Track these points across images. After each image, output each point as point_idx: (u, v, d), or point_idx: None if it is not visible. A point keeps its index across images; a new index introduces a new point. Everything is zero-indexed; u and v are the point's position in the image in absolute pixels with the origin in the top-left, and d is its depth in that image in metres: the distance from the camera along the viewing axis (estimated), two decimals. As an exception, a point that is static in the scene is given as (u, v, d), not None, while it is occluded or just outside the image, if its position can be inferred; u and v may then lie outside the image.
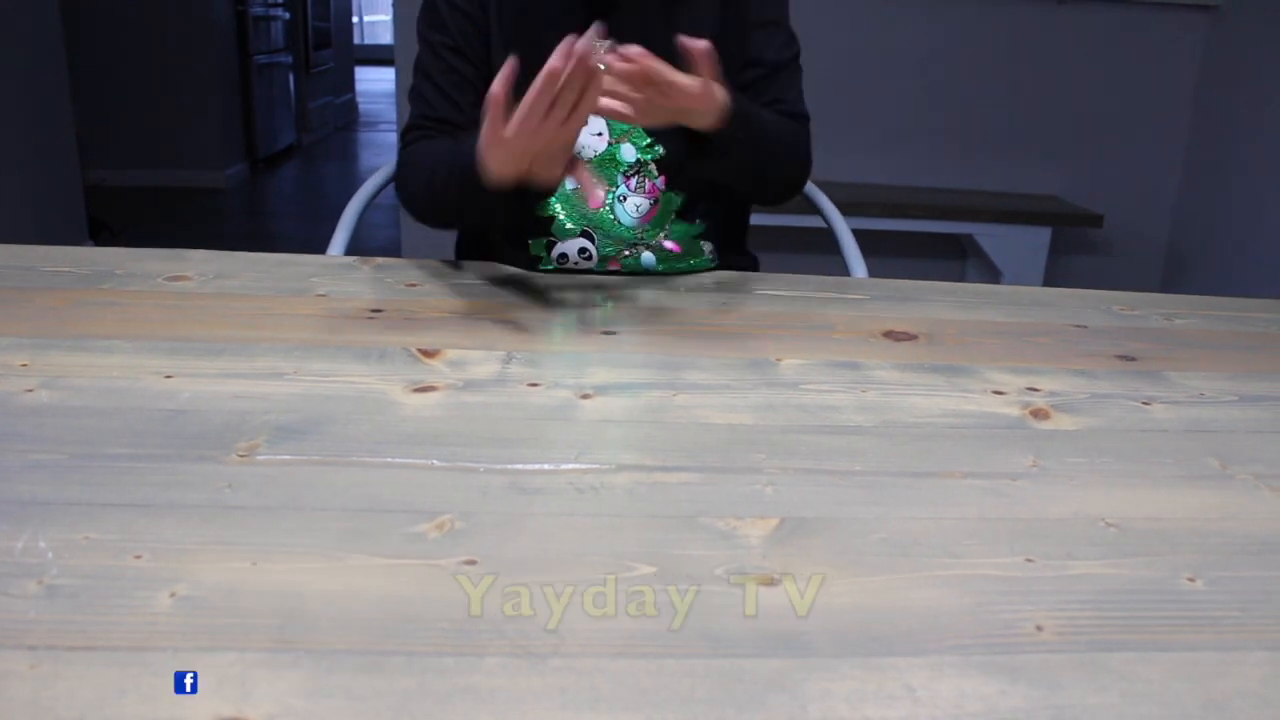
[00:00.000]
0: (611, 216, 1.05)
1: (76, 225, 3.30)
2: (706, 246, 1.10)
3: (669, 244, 1.07)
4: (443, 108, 1.03)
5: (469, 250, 1.15)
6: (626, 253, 1.06)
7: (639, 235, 1.06)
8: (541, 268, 1.05)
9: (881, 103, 2.92)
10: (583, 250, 1.05)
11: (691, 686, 0.38)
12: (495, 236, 1.11)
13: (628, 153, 1.03)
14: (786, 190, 1.09)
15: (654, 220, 1.06)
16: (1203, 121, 2.95)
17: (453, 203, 0.96)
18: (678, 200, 1.07)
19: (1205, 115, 2.94)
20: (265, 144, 5.39)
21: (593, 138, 1.02)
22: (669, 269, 1.08)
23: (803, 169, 1.10)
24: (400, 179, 1.03)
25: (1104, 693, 0.39)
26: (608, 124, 1.02)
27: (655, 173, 1.04)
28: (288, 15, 5.78)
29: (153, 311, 0.78)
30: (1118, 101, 2.96)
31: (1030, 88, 2.94)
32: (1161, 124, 3.00)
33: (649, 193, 1.05)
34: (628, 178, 1.04)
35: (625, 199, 1.05)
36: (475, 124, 1.03)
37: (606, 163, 1.03)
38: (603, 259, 1.05)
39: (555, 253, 1.05)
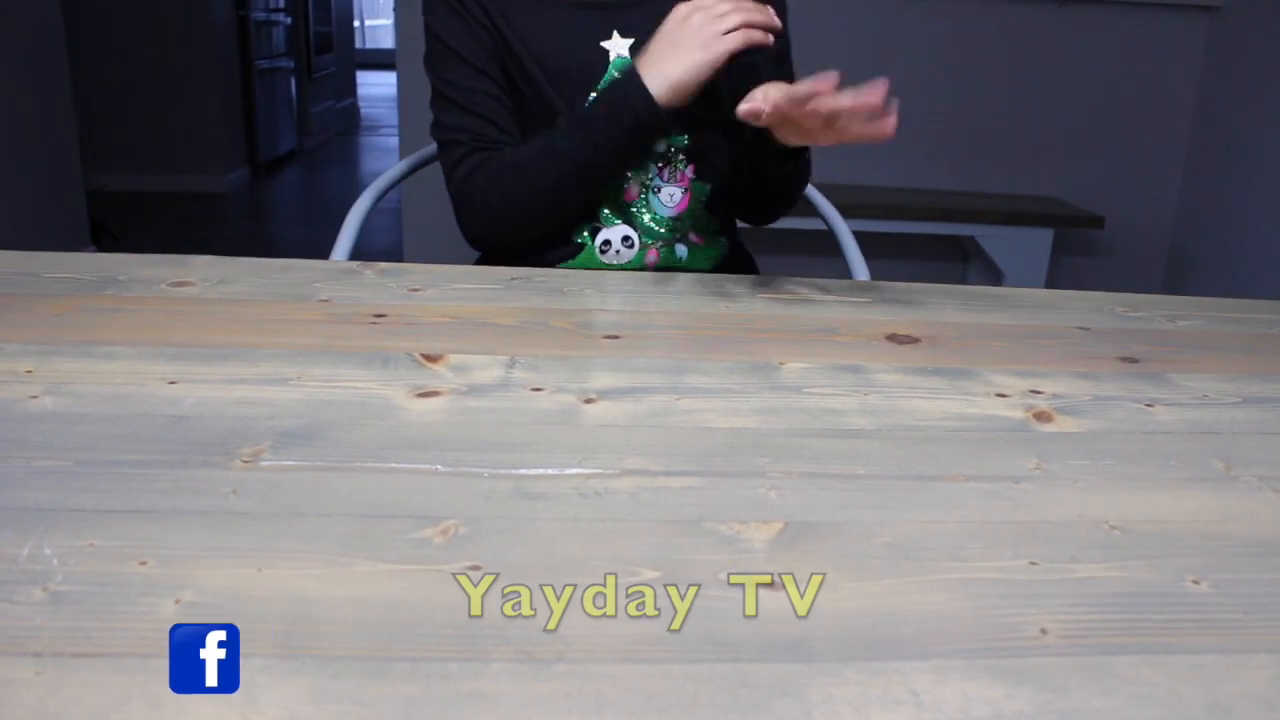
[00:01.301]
0: (647, 209, 1.05)
1: (79, 230, 3.30)
2: (722, 241, 1.11)
3: (694, 235, 1.09)
4: (492, 131, 1.02)
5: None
6: (663, 243, 1.07)
7: (675, 226, 1.07)
8: (582, 258, 1.06)
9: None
10: (625, 238, 1.05)
11: (695, 691, 0.38)
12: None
13: (658, 146, 1.04)
14: (788, 206, 1.11)
15: (688, 210, 1.07)
16: (1204, 122, 2.95)
17: (592, 174, 0.99)
18: (706, 190, 1.07)
19: (1207, 116, 2.94)
20: (267, 149, 5.40)
21: None
22: (696, 263, 1.09)
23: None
24: (476, 201, 1.01)
25: (1109, 696, 0.39)
26: None
27: (684, 161, 1.05)
28: (289, 20, 5.79)
29: (156, 317, 0.78)
30: (1119, 102, 2.96)
31: (1031, 89, 2.94)
32: (1163, 125, 3.00)
33: (680, 181, 1.06)
34: (660, 169, 1.05)
35: (659, 190, 1.05)
36: (519, 137, 1.03)
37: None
38: (644, 247, 1.06)
39: (599, 239, 1.06)
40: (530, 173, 0.99)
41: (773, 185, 1.07)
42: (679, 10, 0.93)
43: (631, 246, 1.05)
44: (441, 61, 1.03)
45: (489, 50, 1.02)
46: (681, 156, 1.04)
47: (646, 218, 1.06)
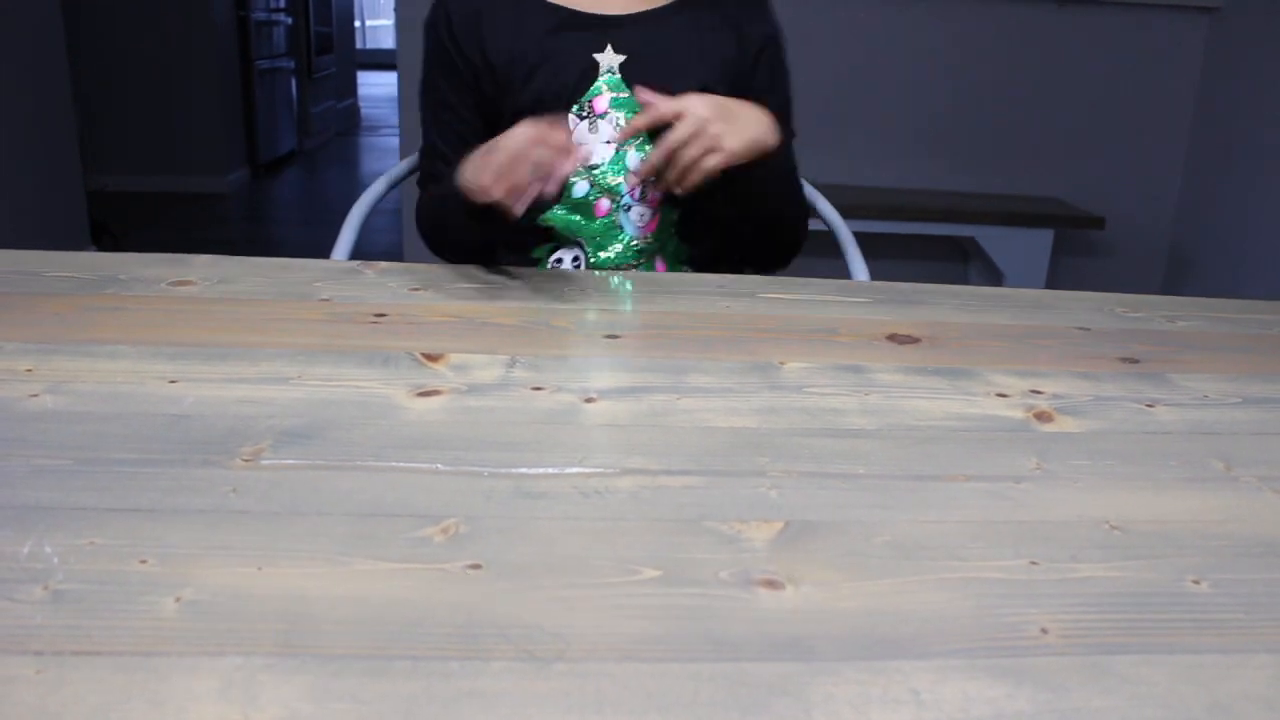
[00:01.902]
0: (615, 225, 1.05)
1: (79, 231, 3.30)
2: (687, 271, 1.11)
3: (659, 263, 1.09)
4: (453, 159, 1.03)
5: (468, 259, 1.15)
6: (618, 270, 1.07)
7: (642, 244, 1.06)
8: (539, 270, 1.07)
9: (882, 104, 2.92)
10: (575, 258, 1.06)
11: (696, 690, 0.38)
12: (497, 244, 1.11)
13: (632, 160, 1.04)
14: (790, 245, 1.11)
15: (655, 232, 1.07)
16: (1204, 123, 2.95)
17: (457, 232, 1.02)
18: (674, 215, 1.08)
19: (1207, 116, 2.94)
20: (267, 149, 5.39)
21: (602, 146, 1.03)
22: None
23: (805, 221, 1.13)
24: (421, 225, 1.10)
25: (1109, 695, 0.39)
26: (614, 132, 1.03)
27: (654, 182, 1.05)
28: (290, 20, 5.79)
29: (157, 317, 0.78)
30: (1119, 103, 2.96)
31: (1031, 89, 2.94)
32: (1163, 125, 3.00)
33: (650, 202, 1.06)
34: (631, 187, 1.05)
35: (630, 209, 1.06)
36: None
37: (612, 169, 1.04)
38: (592, 268, 1.06)
39: (553, 258, 1.06)
40: (442, 210, 1.03)
41: (757, 230, 1.09)
42: (522, 130, 0.86)
43: (580, 266, 1.06)
44: (437, 74, 1.07)
45: (472, 78, 1.05)
46: (653, 178, 1.04)
47: (614, 237, 1.06)
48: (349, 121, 7.50)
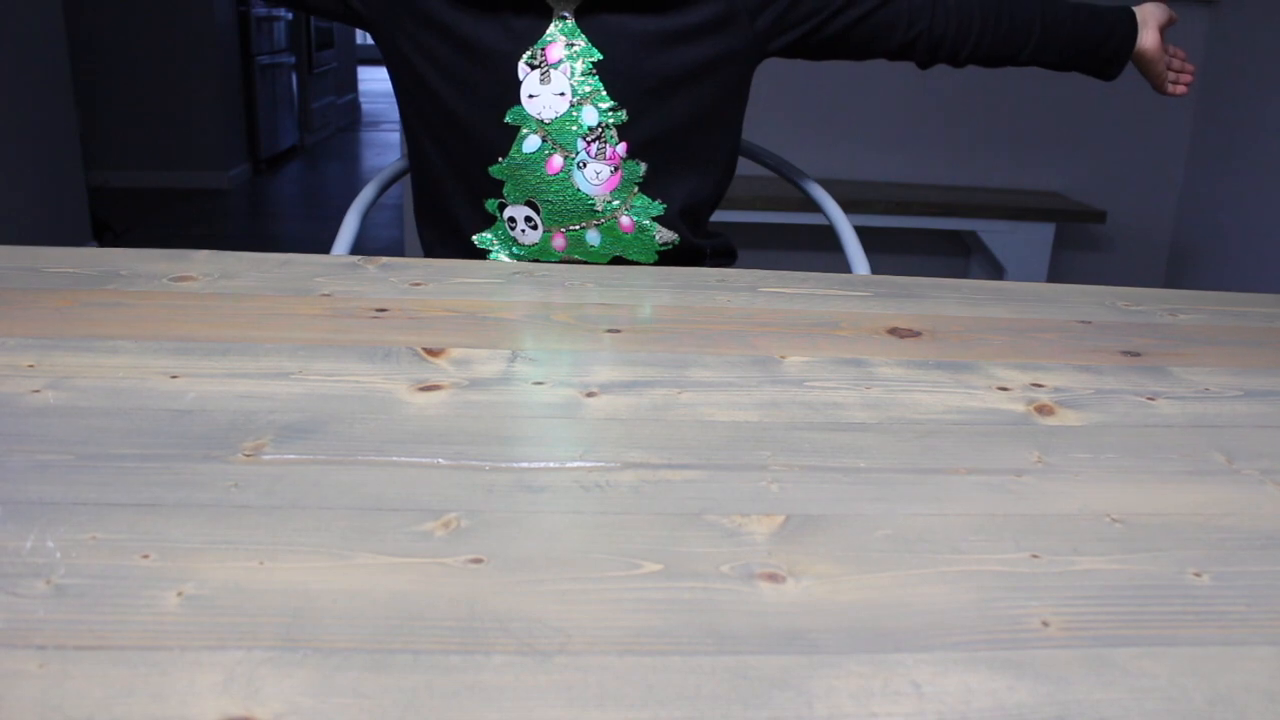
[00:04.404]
0: (570, 184, 1.02)
1: (80, 227, 3.30)
2: (662, 234, 1.08)
3: (625, 219, 1.05)
4: None
5: (430, 216, 1.13)
6: (576, 226, 1.04)
7: (601, 204, 1.04)
8: (495, 230, 1.05)
9: (884, 99, 2.91)
10: (528, 218, 1.04)
11: (697, 684, 0.39)
12: (452, 191, 1.09)
13: (589, 116, 1.00)
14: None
15: (617, 190, 1.03)
16: (1206, 116, 2.94)
17: None
18: (640, 170, 1.04)
19: (1208, 110, 2.93)
20: (268, 145, 5.40)
21: (554, 98, 0.99)
22: (612, 251, 1.06)
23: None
24: None
25: (1110, 688, 0.40)
26: (571, 86, 1.00)
27: (615, 138, 1.02)
28: (290, 16, 5.78)
29: (158, 312, 0.78)
30: (1120, 97, 2.96)
31: (1032, 83, 2.94)
32: (1164, 119, 2.99)
33: (610, 159, 1.01)
34: (588, 143, 1.01)
35: (585, 165, 1.01)
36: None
37: (566, 125, 1.01)
38: (548, 229, 1.04)
39: (506, 214, 1.04)
40: None
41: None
42: None
43: (535, 227, 1.03)
44: None
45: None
46: (613, 132, 1.00)
47: (568, 194, 1.02)
48: (350, 116, 7.51)
